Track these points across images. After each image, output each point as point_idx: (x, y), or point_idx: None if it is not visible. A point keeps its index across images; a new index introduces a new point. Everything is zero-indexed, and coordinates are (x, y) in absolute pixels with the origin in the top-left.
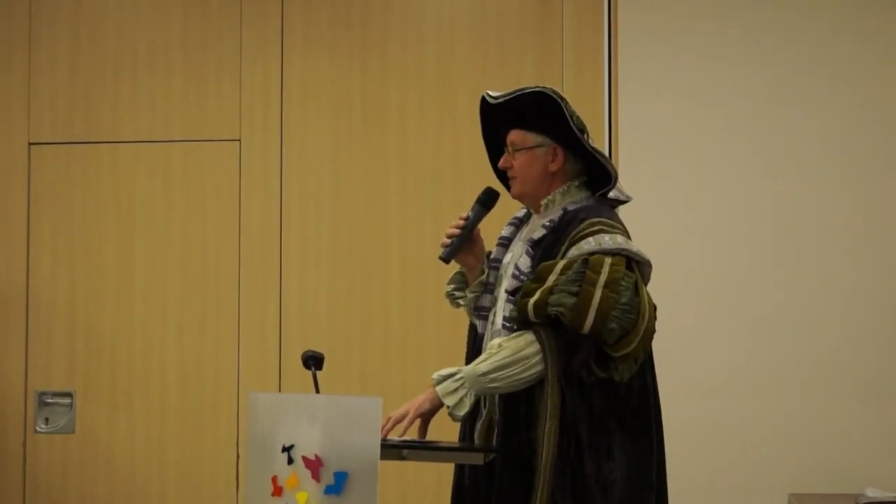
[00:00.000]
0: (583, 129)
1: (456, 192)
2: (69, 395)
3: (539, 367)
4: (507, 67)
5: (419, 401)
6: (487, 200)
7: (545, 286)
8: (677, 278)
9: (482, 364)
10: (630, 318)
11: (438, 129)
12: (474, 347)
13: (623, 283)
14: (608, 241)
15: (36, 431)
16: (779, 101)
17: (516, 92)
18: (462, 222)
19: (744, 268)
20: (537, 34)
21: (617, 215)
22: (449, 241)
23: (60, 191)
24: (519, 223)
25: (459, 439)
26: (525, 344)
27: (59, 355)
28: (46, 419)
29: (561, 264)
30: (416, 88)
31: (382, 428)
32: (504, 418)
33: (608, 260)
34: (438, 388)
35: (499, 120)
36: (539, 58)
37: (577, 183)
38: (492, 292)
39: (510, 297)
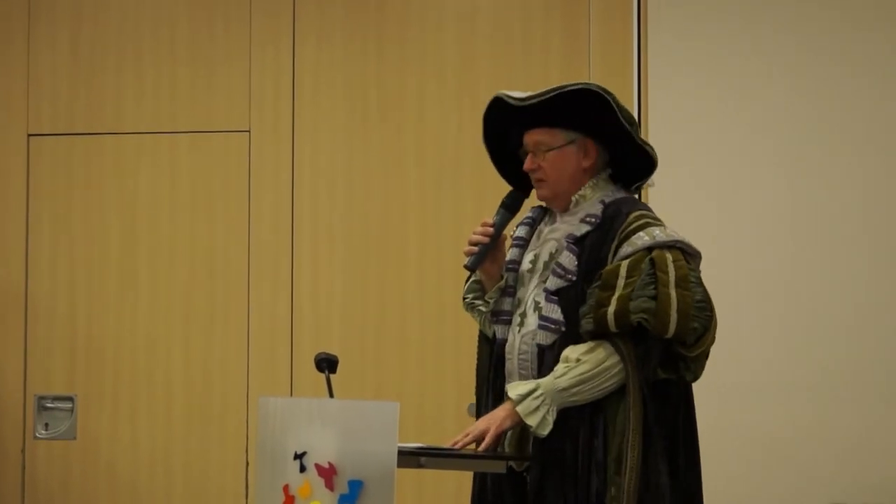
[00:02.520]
0: (632, 122)
1: (477, 186)
2: (70, 399)
3: (619, 377)
4: (531, 54)
5: (499, 418)
6: (513, 204)
7: (620, 293)
8: (708, 277)
9: (562, 379)
10: (707, 315)
11: (458, 120)
12: (494, 355)
13: (692, 279)
14: (659, 233)
15: (35, 437)
16: (813, 96)
17: (555, 91)
18: (489, 228)
19: (780, 266)
20: (563, 18)
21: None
22: (475, 248)
23: (61, 185)
24: (533, 222)
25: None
26: (605, 356)
27: (59, 357)
28: (46, 424)
29: (625, 267)
30: (435, 76)
31: (457, 442)
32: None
33: (669, 256)
34: (519, 409)
35: (513, 120)
36: (565, 43)
37: (604, 175)
38: (511, 295)
39: (551, 297)
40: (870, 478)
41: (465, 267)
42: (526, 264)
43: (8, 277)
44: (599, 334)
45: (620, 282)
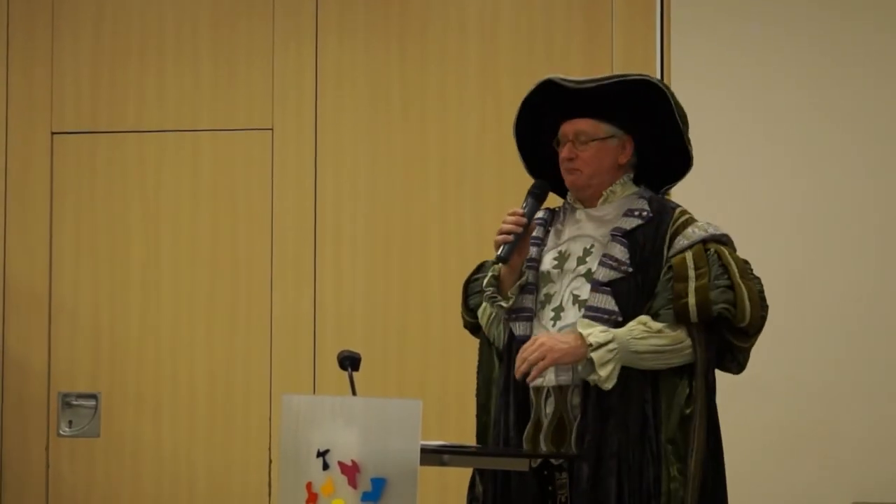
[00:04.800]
0: (685, 121)
1: (499, 184)
2: (94, 396)
3: (683, 360)
4: (553, 52)
5: (561, 350)
6: (541, 193)
7: (697, 284)
8: None
9: (639, 342)
10: (766, 307)
11: (481, 118)
12: (513, 352)
13: (749, 270)
14: (710, 227)
15: (59, 435)
16: (836, 94)
17: (615, 78)
18: (521, 218)
19: (800, 265)
20: (585, 16)
21: None
22: (510, 237)
23: (84, 183)
24: (545, 223)
25: (493, 444)
26: (683, 337)
27: (83, 355)
28: (70, 422)
29: (690, 257)
30: (457, 74)
31: (517, 368)
32: (595, 417)
33: (725, 250)
34: (595, 356)
35: (555, 107)
36: (587, 41)
37: (630, 175)
38: (532, 293)
39: (603, 287)
40: (893, 476)
41: (499, 258)
42: (549, 261)
43: (31, 275)
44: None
45: (691, 273)
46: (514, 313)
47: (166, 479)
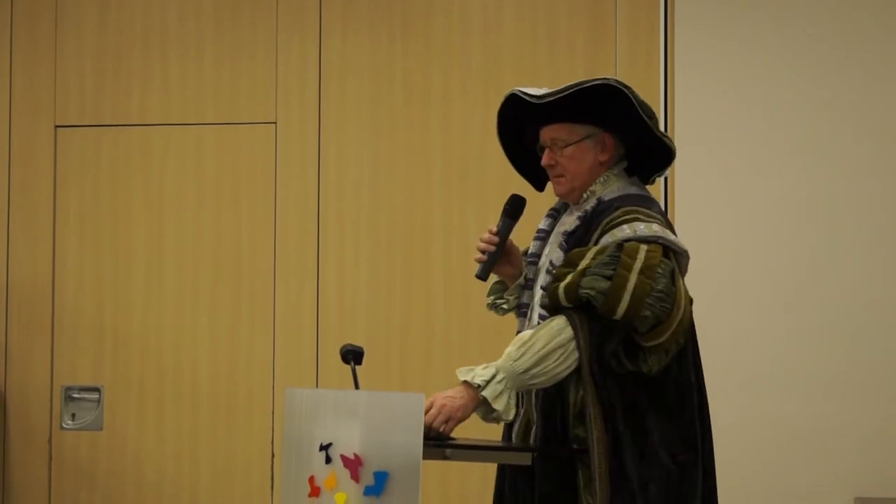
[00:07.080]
0: (651, 115)
1: (501, 178)
2: (97, 390)
3: (576, 355)
4: (556, 47)
5: (459, 406)
6: (514, 211)
7: (577, 270)
8: (733, 272)
9: (520, 361)
10: (664, 307)
11: (484, 112)
12: None
13: (659, 269)
14: (643, 228)
15: (62, 428)
16: (840, 93)
17: (573, 87)
18: (494, 237)
19: (803, 262)
20: (588, 11)
21: (657, 204)
22: (484, 256)
23: (88, 177)
24: (557, 214)
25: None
26: (558, 330)
27: (86, 348)
28: (73, 415)
29: (593, 250)
30: (460, 69)
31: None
32: (542, 416)
33: (644, 247)
34: (486, 393)
35: (528, 115)
36: (590, 36)
37: (616, 170)
38: (531, 288)
39: (544, 291)
40: (894, 471)
41: (476, 276)
42: (543, 257)
43: (35, 268)
44: (554, 310)
45: (583, 262)
46: (518, 309)
47: (169, 472)
